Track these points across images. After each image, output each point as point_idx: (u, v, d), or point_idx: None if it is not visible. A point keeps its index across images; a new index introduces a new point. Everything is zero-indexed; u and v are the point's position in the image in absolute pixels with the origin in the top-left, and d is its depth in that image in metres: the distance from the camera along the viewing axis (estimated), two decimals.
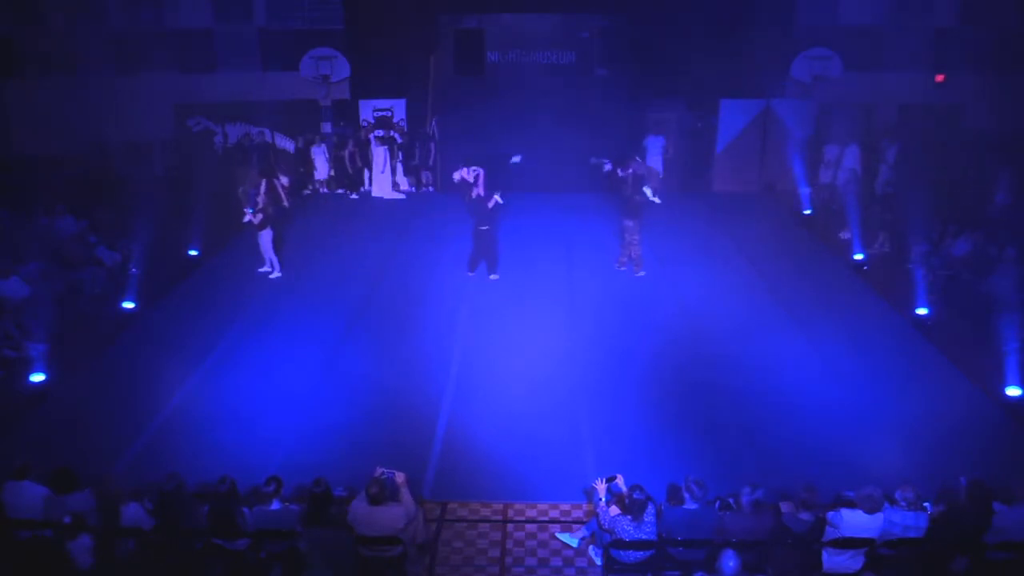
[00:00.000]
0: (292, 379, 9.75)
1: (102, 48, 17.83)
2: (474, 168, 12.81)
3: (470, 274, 12.87)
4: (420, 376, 9.86)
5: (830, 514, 6.27)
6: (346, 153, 17.78)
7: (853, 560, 6.26)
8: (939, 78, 18.10)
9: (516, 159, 12.86)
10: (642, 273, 12.94)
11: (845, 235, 14.53)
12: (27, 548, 6.39)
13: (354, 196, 17.66)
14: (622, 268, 13.09)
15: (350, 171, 17.80)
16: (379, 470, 6.58)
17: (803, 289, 12.46)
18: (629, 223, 12.73)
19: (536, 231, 15.17)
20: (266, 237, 12.98)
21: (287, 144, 18.23)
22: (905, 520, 6.26)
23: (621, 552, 6.38)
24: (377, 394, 9.44)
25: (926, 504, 6.59)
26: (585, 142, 17.04)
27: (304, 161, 17.89)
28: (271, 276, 13.08)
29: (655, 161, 17.32)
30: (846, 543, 6.18)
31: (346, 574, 6.29)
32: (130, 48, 18.04)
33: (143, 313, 11.71)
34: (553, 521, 7.40)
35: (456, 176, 13.18)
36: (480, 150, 16.21)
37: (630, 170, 12.80)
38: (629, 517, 6.28)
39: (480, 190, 12.55)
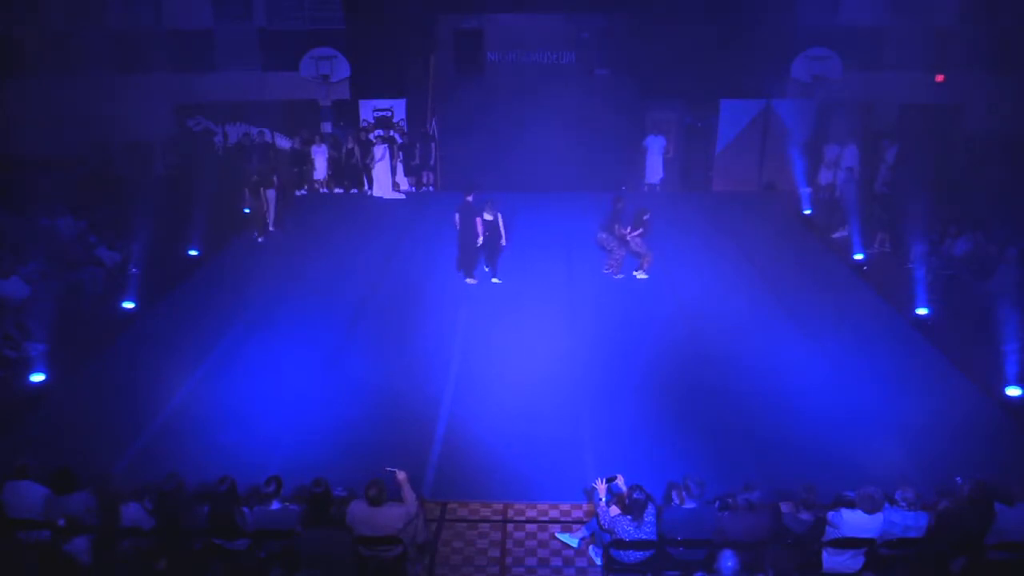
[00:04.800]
0: (292, 379, 9.75)
1: (102, 48, 17.85)
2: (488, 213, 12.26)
3: (471, 281, 12.73)
4: (420, 376, 9.86)
5: (830, 514, 6.27)
6: (343, 152, 17.79)
7: (853, 560, 6.27)
8: (939, 78, 18.11)
9: None
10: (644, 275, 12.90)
11: (841, 234, 14.55)
12: (27, 548, 6.40)
13: (355, 191, 17.66)
14: (610, 272, 12.95)
15: (355, 165, 17.77)
16: (387, 470, 6.58)
17: (803, 289, 12.46)
18: (603, 235, 12.77)
19: (536, 231, 15.17)
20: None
21: (287, 144, 18.26)
22: (905, 520, 6.27)
23: (621, 552, 6.38)
24: (377, 394, 9.44)
25: (929, 502, 6.60)
26: (585, 142, 17.05)
27: (303, 161, 17.90)
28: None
29: (655, 161, 17.32)
30: (846, 543, 6.18)
31: (346, 574, 6.29)
32: (130, 48, 18.05)
33: (143, 313, 11.71)
34: (553, 521, 7.40)
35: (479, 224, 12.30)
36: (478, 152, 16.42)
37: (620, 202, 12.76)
38: (629, 517, 6.28)
39: (483, 233, 12.24)
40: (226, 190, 15.96)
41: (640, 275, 12.88)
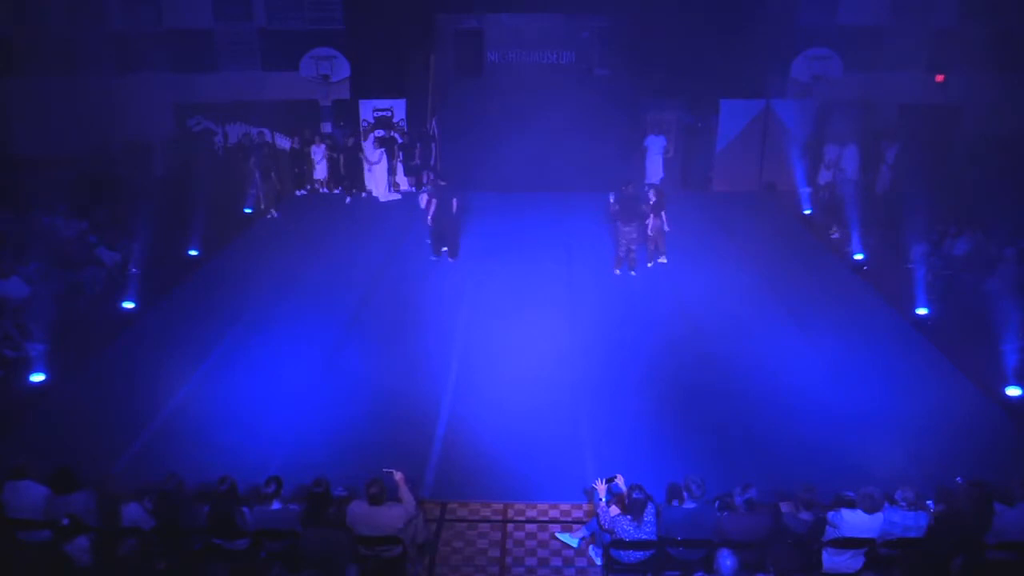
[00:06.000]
0: (292, 379, 9.76)
1: (102, 48, 17.83)
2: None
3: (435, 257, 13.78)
4: (420, 376, 9.86)
5: (830, 514, 6.28)
6: (340, 156, 17.78)
7: (853, 560, 6.27)
8: (939, 78, 18.10)
9: None
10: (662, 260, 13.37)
11: (841, 234, 14.56)
12: (27, 548, 6.40)
13: (348, 200, 17.57)
14: (621, 269, 13.10)
15: (343, 173, 17.81)
16: (384, 471, 6.59)
17: (803, 289, 12.47)
18: (627, 228, 12.80)
19: (536, 231, 15.17)
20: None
21: (287, 144, 18.26)
22: (905, 520, 6.27)
23: (621, 552, 6.38)
24: (377, 394, 9.44)
25: (928, 503, 6.60)
26: (585, 142, 17.05)
27: (303, 161, 17.90)
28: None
29: (655, 161, 17.32)
30: (846, 543, 6.18)
31: (346, 574, 6.29)
32: (130, 48, 18.03)
33: (143, 313, 11.71)
34: (553, 521, 7.40)
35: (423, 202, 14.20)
36: (478, 152, 16.53)
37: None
38: (629, 517, 6.28)
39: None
40: (226, 190, 15.98)
41: (662, 260, 13.37)
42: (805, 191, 16.63)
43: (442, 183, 13.78)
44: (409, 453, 8.13)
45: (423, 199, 14.25)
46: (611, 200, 12.82)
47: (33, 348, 10.24)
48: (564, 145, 17.12)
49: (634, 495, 6.29)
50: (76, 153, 17.11)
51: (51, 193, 13.91)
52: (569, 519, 7.42)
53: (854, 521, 6.17)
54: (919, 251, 12.61)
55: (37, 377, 9.73)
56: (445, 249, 13.84)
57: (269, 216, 16.11)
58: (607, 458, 8.10)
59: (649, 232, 13.06)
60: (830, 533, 6.25)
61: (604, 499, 6.63)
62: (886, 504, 6.30)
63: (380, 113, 17.95)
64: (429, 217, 13.77)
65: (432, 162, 18.09)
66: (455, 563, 6.92)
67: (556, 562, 6.94)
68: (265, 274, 13.13)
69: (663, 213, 13.06)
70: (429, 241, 13.90)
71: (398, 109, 18.06)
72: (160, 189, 15.36)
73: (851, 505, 6.29)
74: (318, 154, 17.79)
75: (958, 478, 6.65)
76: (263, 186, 16.16)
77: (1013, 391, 9.26)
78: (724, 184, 18.03)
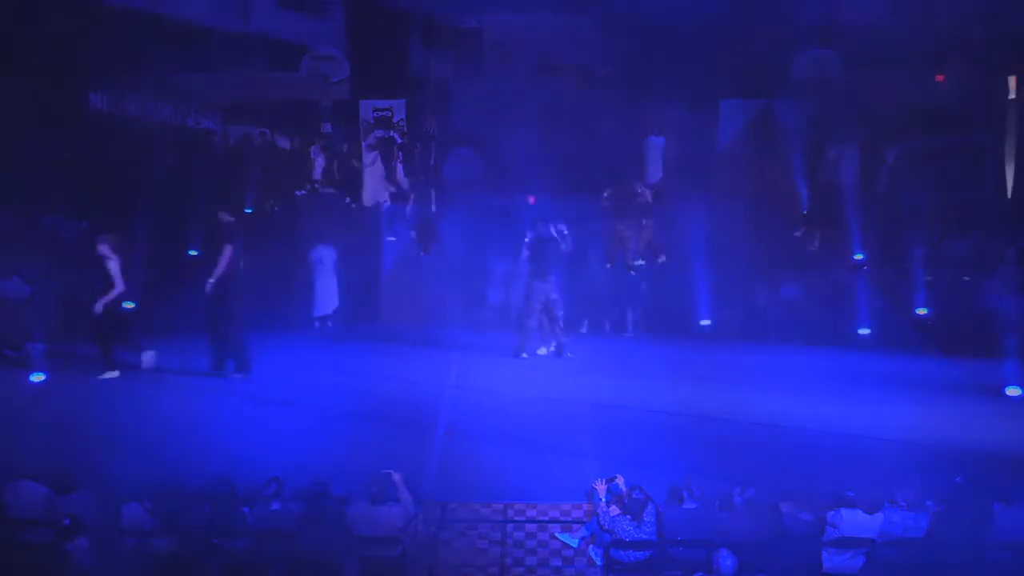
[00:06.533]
0: (292, 379, 9.76)
1: (103, 48, 17.83)
2: None
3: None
4: (420, 376, 9.87)
5: (830, 514, 6.28)
6: (334, 158, 17.78)
7: (853, 560, 6.27)
8: (939, 78, 18.07)
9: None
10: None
11: (839, 234, 14.55)
12: (27, 548, 6.40)
13: (349, 200, 17.56)
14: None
15: (337, 176, 17.82)
16: (382, 472, 6.60)
17: (803, 289, 12.47)
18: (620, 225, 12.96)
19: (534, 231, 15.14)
20: None
21: (287, 144, 18.27)
22: (905, 520, 6.28)
23: (621, 552, 6.39)
24: (377, 394, 9.45)
25: (928, 503, 6.61)
26: (584, 142, 17.05)
27: (303, 161, 17.89)
28: None
29: (655, 161, 17.30)
30: (846, 543, 6.19)
31: (346, 574, 6.29)
32: (130, 48, 18.02)
33: (143, 313, 11.69)
34: (553, 521, 7.40)
35: None
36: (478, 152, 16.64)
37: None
38: (629, 517, 6.29)
39: None
40: (226, 190, 15.97)
41: (662, 259, 13.25)
42: (805, 191, 16.61)
43: (419, 179, 14.17)
44: (409, 453, 8.13)
45: (388, 193, 14.47)
46: (605, 195, 12.88)
47: (33, 348, 10.24)
48: (563, 145, 17.11)
49: (634, 495, 6.30)
50: (76, 153, 17.11)
51: (51, 193, 13.91)
52: (569, 519, 7.42)
53: (854, 521, 6.17)
54: (919, 251, 12.62)
55: (37, 377, 9.72)
56: (432, 245, 13.98)
57: (267, 216, 16.07)
58: (607, 458, 8.10)
59: (644, 232, 12.94)
60: (830, 533, 6.26)
61: (604, 499, 6.63)
62: (886, 504, 6.30)
63: (380, 113, 17.94)
64: (407, 213, 14.08)
65: (432, 163, 18.08)
66: (455, 563, 6.92)
67: (556, 562, 6.94)
68: (264, 273, 13.10)
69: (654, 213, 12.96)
70: (414, 237, 14.09)
71: (398, 109, 18.04)
72: (160, 189, 15.34)
73: (851, 505, 6.29)
74: (318, 154, 17.77)
75: (958, 478, 6.64)
76: (263, 186, 16.17)
77: (1013, 391, 9.27)
78: (724, 184, 17.99)
